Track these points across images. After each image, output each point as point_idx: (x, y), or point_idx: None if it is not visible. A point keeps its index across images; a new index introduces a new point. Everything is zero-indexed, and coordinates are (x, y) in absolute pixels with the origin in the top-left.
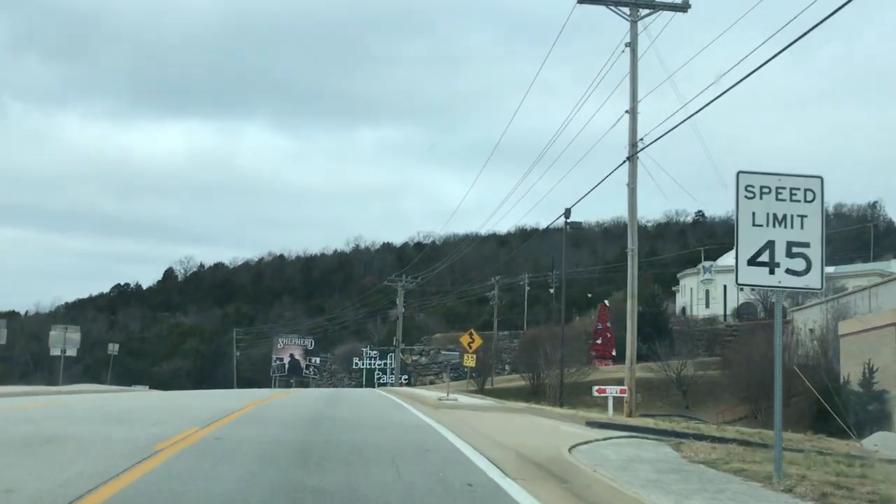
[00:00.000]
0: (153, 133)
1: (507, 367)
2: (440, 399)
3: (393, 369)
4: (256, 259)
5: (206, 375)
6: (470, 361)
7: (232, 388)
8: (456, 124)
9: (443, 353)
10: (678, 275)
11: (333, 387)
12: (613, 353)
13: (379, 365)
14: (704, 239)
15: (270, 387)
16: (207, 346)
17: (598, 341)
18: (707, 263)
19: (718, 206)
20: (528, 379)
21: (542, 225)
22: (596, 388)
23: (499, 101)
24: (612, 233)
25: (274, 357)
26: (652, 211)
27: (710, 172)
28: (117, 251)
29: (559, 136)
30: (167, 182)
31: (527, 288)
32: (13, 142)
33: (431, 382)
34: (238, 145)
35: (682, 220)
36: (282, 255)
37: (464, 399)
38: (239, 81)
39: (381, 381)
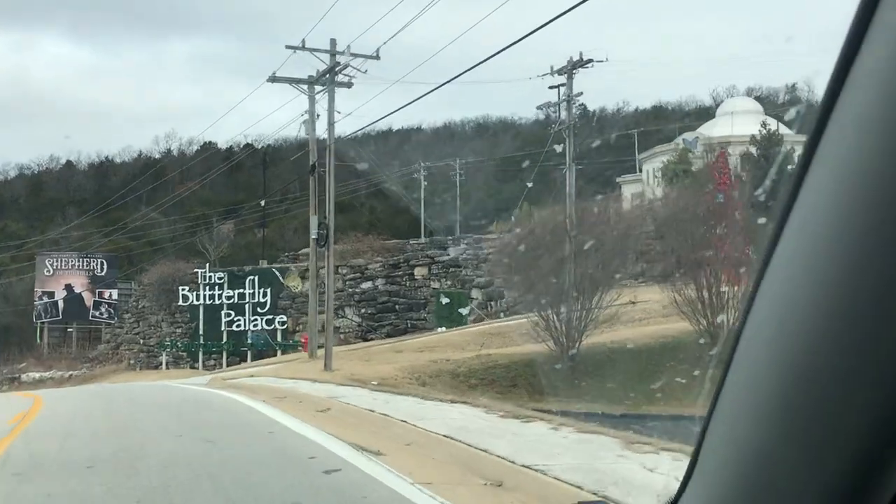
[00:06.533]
0: None
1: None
2: None
3: (269, 308)
4: (35, 168)
5: None
6: None
7: None
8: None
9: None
10: (640, 157)
11: (143, 344)
12: (748, 251)
13: (227, 296)
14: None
15: (34, 341)
16: None
17: (723, 226)
18: (689, 135)
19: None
20: (697, 315)
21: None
22: None
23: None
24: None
25: (38, 291)
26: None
27: None
28: None
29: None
30: None
31: (424, 183)
32: None
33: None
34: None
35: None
36: (69, 162)
37: None
38: None
39: (237, 326)
